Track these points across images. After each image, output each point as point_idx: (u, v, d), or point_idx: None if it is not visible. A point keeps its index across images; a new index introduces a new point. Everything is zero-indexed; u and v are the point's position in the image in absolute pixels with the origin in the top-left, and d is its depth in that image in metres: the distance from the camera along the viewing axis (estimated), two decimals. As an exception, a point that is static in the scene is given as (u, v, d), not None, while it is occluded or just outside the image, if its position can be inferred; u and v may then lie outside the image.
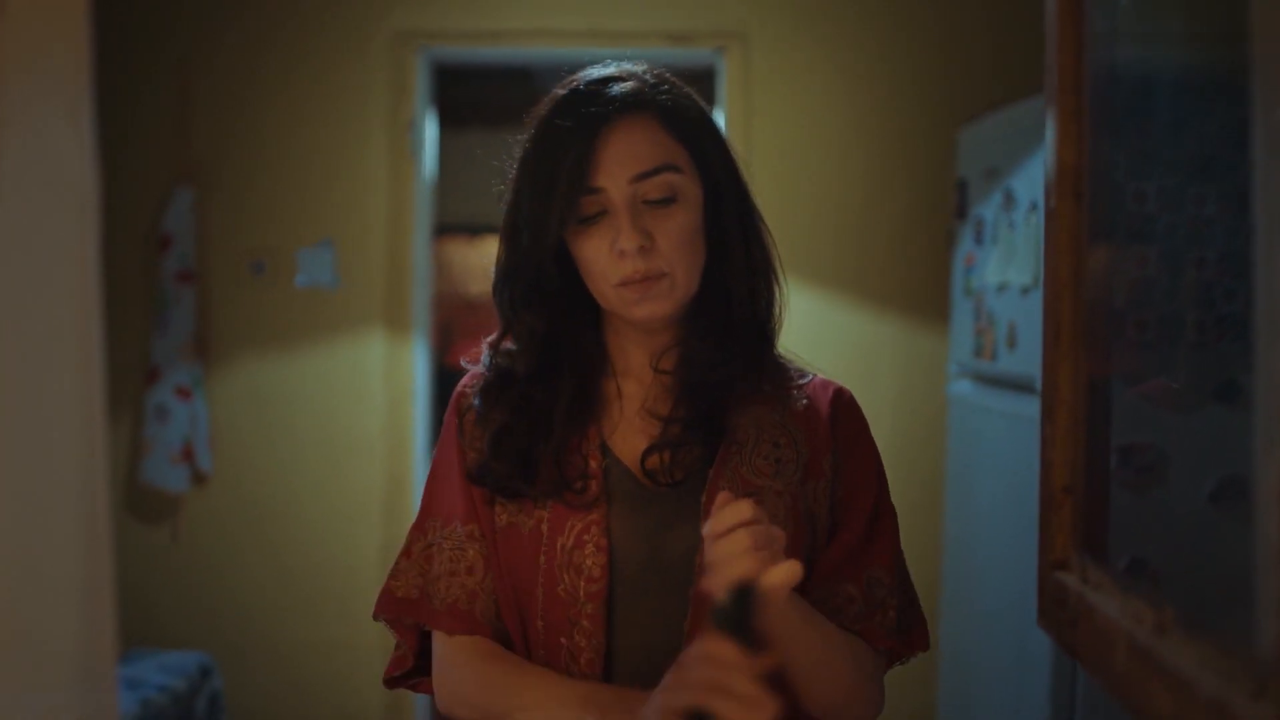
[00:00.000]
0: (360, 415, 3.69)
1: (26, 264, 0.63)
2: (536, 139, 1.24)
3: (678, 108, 1.26)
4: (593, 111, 1.21)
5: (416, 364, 3.74)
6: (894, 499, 1.34)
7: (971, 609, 3.07)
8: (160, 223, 3.62)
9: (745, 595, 0.99)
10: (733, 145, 1.31)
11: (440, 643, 1.28)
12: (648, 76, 1.27)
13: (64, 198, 0.65)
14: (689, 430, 1.26)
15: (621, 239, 1.19)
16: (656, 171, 1.20)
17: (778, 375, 1.33)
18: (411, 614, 1.29)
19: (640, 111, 1.23)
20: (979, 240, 3.10)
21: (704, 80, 3.91)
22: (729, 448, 1.26)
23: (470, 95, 5.46)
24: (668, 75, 1.29)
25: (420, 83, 3.71)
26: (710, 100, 3.93)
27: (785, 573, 0.99)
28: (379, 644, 3.60)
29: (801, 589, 1.24)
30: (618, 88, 1.23)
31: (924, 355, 3.63)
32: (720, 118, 3.77)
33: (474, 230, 7.24)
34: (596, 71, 1.27)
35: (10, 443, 0.64)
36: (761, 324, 1.31)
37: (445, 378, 4.13)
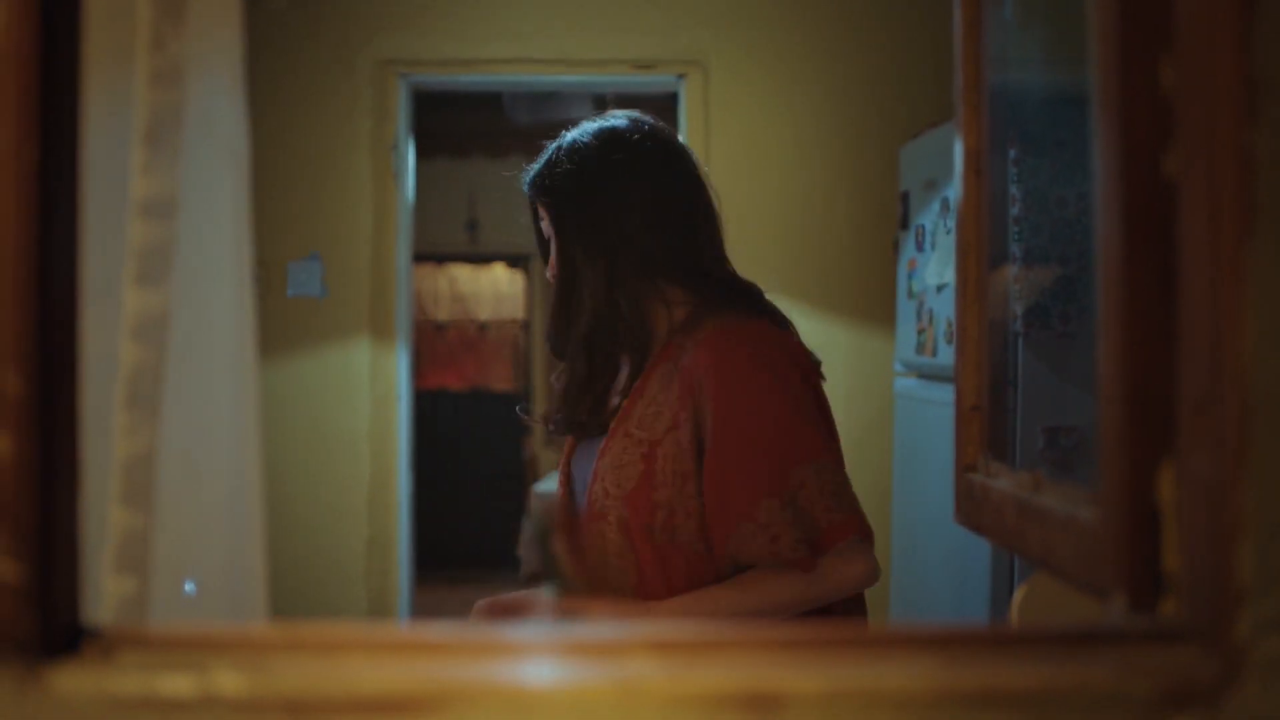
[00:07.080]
0: (348, 417, 3.84)
1: (201, 208, 0.85)
2: None
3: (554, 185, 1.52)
4: None
5: (399, 369, 3.90)
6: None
7: (918, 562, 3.30)
8: (158, 238, 3.77)
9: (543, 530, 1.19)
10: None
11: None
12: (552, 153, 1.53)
13: (226, 159, 0.86)
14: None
15: None
16: None
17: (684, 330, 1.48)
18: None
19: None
20: (920, 246, 3.25)
21: (668, 104, 4.16)
22: (631, 403, 1.46)
23: (437, 124, 5.36)
24: (571, 146, 1.52)
25: (401, 107, 3.90)
26: (673, 123, 4.17)
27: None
28: (366, 633, 3.78)
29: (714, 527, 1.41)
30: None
31: (873, 355, 3.83)
32: (681, 138, 4.01)
33: (440, 259, 7.08)
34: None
35: (183, 364, 0.83)
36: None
37: (417, 400, 4.21)
